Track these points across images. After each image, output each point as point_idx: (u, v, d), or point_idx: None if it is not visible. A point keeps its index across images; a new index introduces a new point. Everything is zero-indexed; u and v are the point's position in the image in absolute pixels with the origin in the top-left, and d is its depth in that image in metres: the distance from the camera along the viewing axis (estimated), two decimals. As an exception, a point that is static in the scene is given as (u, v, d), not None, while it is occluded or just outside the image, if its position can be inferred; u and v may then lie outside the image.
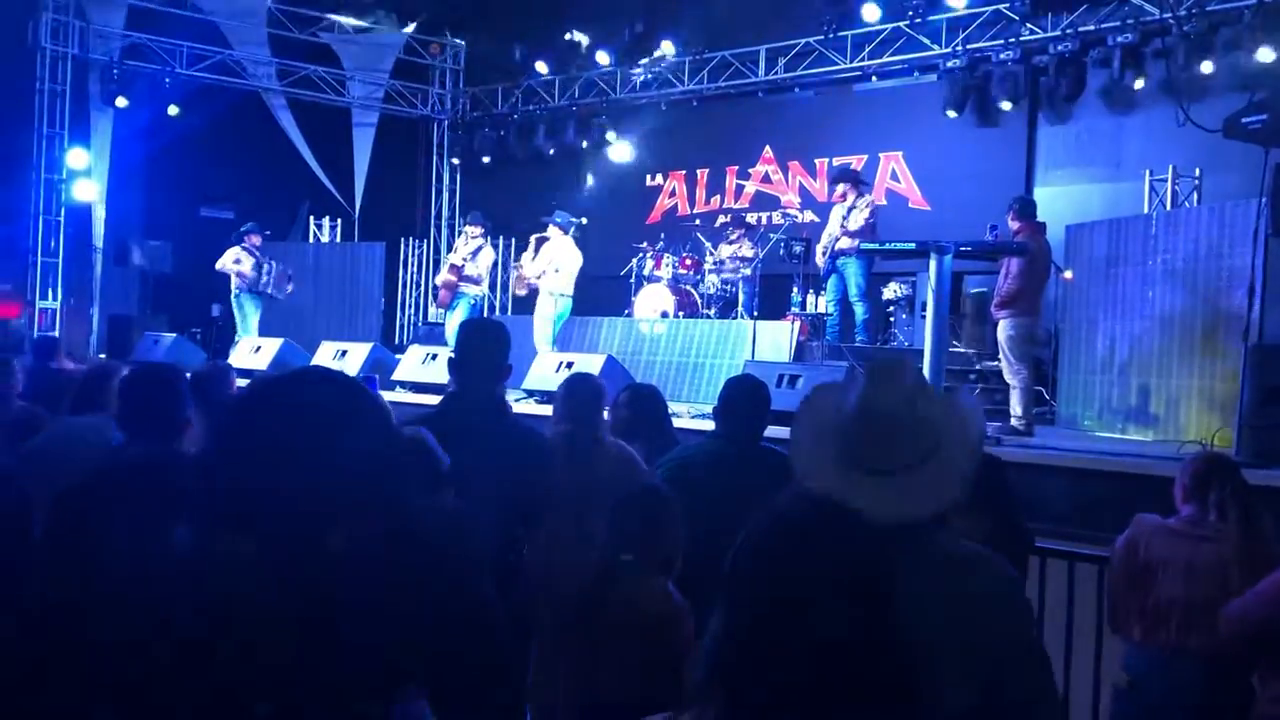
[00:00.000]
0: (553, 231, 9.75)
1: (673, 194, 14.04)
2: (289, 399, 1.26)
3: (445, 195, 16.27)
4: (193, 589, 1.22)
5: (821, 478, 1.74)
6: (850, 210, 9.92)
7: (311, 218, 15.19)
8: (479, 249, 10.60)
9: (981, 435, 1.85)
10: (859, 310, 9.93)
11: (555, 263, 9.57)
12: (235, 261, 11.47)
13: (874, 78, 12.19)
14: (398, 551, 1.26)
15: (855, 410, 1.76)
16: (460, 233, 11.53)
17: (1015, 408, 7.49)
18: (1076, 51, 10.34)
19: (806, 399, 1.90)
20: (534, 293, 9.97)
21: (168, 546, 2.21)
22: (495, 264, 12.24)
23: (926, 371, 6.56)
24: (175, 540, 2.23)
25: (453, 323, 10.25)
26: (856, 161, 12.13)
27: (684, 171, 13.89)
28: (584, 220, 10.10)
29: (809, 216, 12.28)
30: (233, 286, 11.57)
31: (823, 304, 10.27)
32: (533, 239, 9.87)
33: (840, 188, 10.24)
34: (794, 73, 12.58)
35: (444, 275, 10.58)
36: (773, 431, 3.83)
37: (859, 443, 1.74)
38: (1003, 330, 7.56)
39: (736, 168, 13.43)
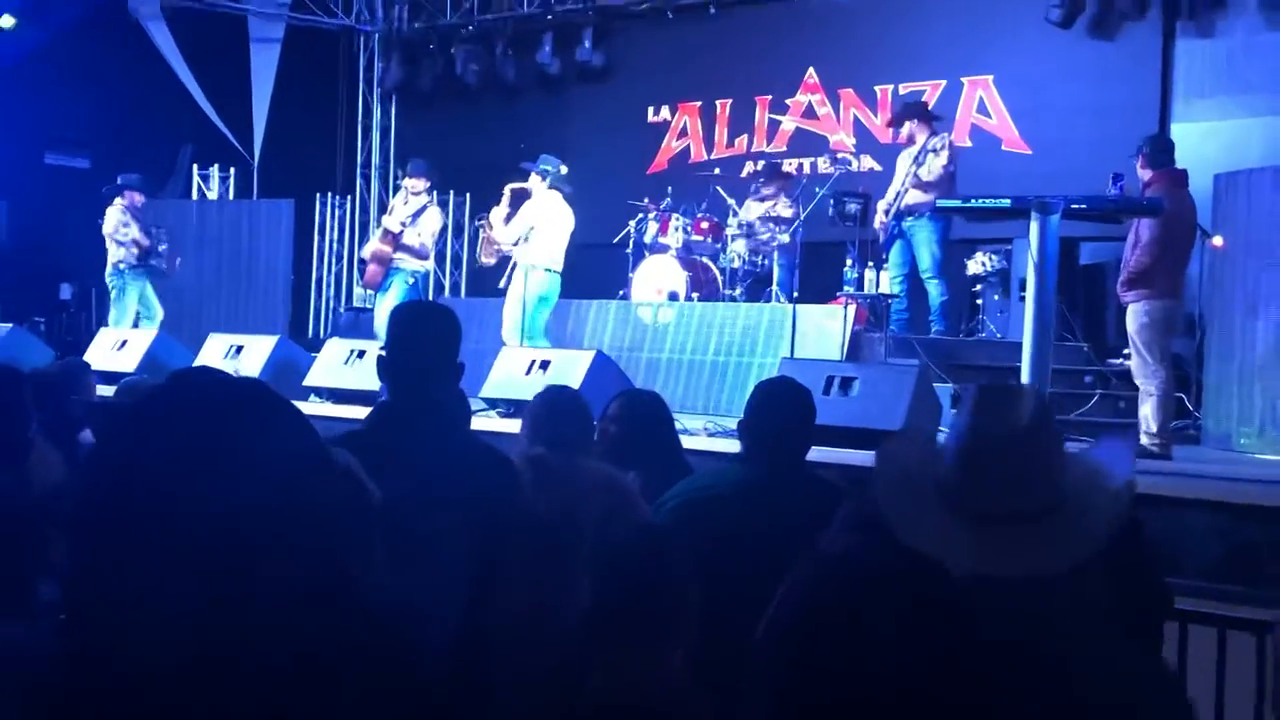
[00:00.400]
0: (534, 183, 9.72)
1: (683, 133, 14.05)
2: (177, 412, 1.26)
3: (375, 136, 16.27)
4: (61, 654, 1.23)
5: (916, 528, 1.79)
6: (922, 154, 9.92)
7: (195, 167, 15.19)
8: (422, 209, 10.59)
9: (1131, 487, 1.92)
10: (934, 290, 9.92)
11: (535, 224, 9.55)
12: (124, 225, 11.46)
13: (955, -25, 12.19)
14: (332, 618, 1.26)
15: (962, 441, 1.82)
16: (398, 189, 11.52)
17: (1148, 421, 7.49)
18: (1228, -61, 10.35)
19: (892, 441, 2.01)
20: (503, 263, 9.96)
21: (25, 604, 2.23)
22: (444, 229, 12.24)
23: (1027, 371, 6.57)
24: (37, 598, 2.25)
25: (385, 307, 10.27)
26: (931, 89, 12.12)
27: (699, 103, 13.89)
28: (564, 168, 10.10)
29: (867, 163, 12.27)
30: (115, 259, 11.54)
31: (885, 281, 10.28)
32: (507, 189, 9.86)
33: (906, 128, 10.22)
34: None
35: (375, 244, 10.58)
36: (818, 454, 3.83)
37: (966, 482, 1.80)
38: (1133, 317, 7.56)
39: (770, 98, 13.43)
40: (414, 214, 10.51)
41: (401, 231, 10.40)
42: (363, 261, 11.42)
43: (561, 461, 3.75)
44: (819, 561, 1.97)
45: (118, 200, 11.61)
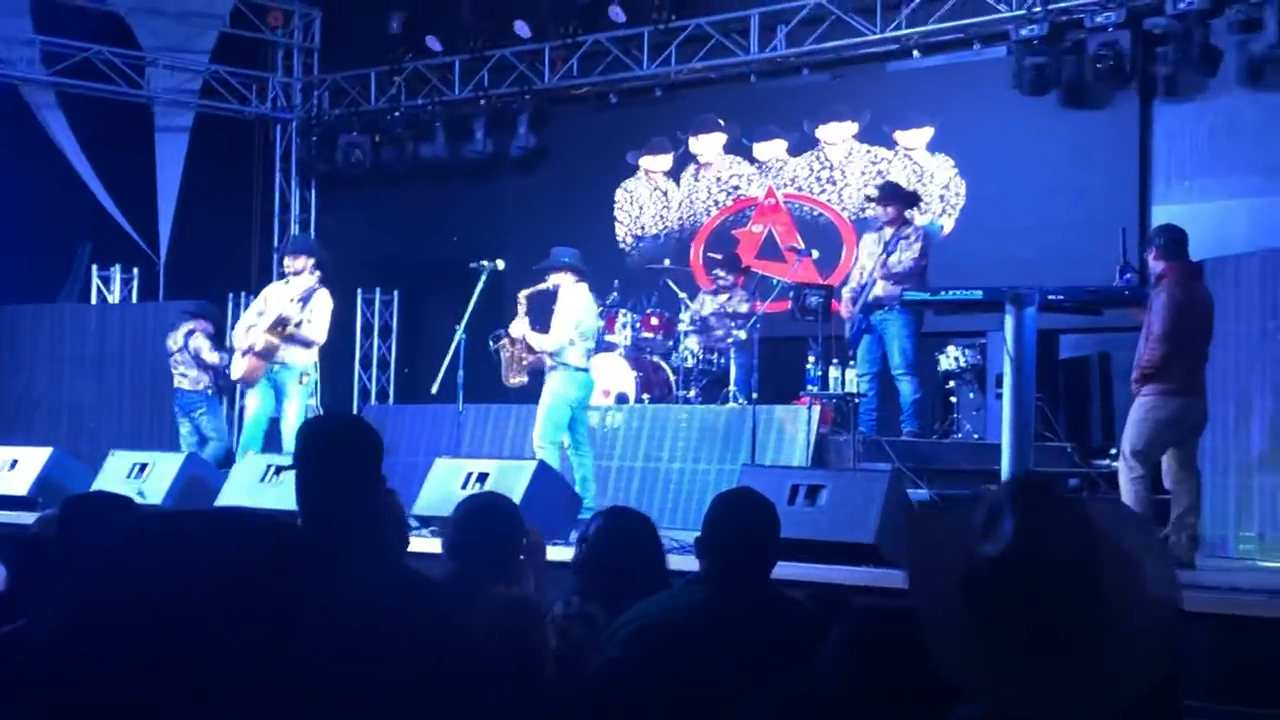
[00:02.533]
0: (559, 279, 9.55)
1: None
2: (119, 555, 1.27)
3: (294, 230, 16.25)
4: None
5: (958, 652, 1.76)
6: (894, 241, 9.96)
7: (94, 267, 15.08)
8: (311, 292, 10.09)
9: (1176, 594, 1.87)
10: (905, 387, 9.98)
11: (580, 320, 9.33)
12: (222, 355, 11.58)
13: (915, 52, 12.44)
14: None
15: (1004, 549, 1.77)
16: (284, 277, 10.55)
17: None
18: (1207, 10, 10.54)
19: (917, 522, 1.94)
20: (435, 368, 9.85)
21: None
22: (367, 328, 12.06)
23: (1005, 475, 6.61)
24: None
25: (290, 418, 9.95)
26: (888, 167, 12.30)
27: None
28: (500, 263, 10.11)
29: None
30: (202, 384, 11.76)
31: (851, 379, 10.34)
32: (522, 297, 9.60)
33: (889, 209, 10.19)
34: (800, 47, 12.79)
35: (261, 335, 10.03)
36: (784, 570, 3.83)
37: (1008, 598, 1.75)
38: (1135, 410, 7.62)
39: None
40: (303, 297, 10.01)
41: (299, 320, 9.98)
42: (230, 349, 10.96)
43: (465, 589, 3.63)
44: (804, 687, 1.97)
45: (188, 325, 11.78)
